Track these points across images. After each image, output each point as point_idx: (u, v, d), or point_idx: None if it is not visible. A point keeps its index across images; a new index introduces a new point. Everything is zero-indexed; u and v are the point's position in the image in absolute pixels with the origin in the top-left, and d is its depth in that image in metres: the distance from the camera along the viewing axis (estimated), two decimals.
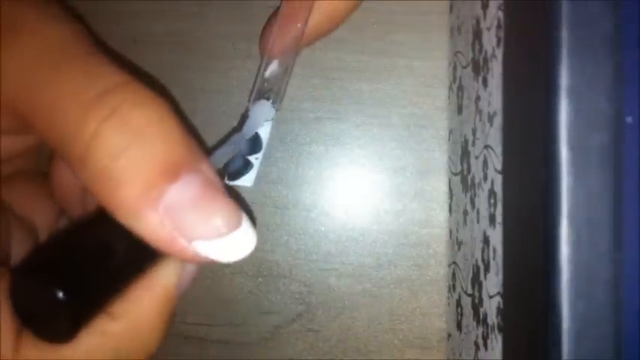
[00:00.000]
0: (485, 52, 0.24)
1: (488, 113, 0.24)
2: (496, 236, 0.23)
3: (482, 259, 0.25)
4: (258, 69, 0.25)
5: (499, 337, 0.22)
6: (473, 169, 0.26)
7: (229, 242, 0.17)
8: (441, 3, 0.31)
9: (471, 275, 0.26)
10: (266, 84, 0.25)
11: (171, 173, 0.16)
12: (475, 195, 0.26)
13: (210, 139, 0.31)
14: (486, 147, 0.24)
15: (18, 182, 0.22)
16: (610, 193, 0.17)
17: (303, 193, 0.31)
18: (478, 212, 0.25)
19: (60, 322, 0.17)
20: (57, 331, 0.17)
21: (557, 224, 0.17)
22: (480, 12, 0.25)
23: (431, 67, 0.31)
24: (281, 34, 0.25)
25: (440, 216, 0.31)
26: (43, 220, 0.22)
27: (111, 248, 0.17)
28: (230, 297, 0.32)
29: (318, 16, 0.25)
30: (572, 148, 0.17)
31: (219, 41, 0.31)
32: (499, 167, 0.22)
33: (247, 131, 0.24)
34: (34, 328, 0.17)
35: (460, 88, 0.29)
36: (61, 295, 0.16)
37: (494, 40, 0.23)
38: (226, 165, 0.25)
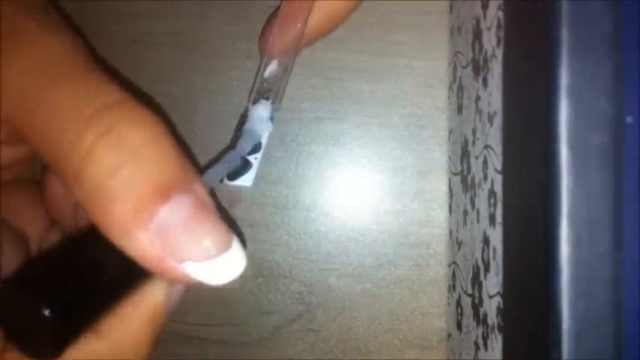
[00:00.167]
0: (485, 52, 0.24)
1: (489, 113, 0.24)
2: (496, 236, 0.23)
3: (483, 259, 0.25)
4: (258, 69, 0.25)
5: (499, 337, 0.22)
6: (473, 169, 0.26)
7: (218, 265, 0.17)
8: (441, 3, 0.31)
9: (471, 275, 0.26)
10: (266, 84, 0.25)
11: (164, 193, 0.16)
12: (475, 195, 0.26)
13: (210, 139, 0.31)
14: (486, 147, 0.24)
15: (12, 191, 0.22)
16: (610, 193, 0.17)
17: (303, 193, 0.31)
18: (478, 212, 0.25)
19: (46, 339, 0.16)
20: (42, 348, 0.17)
21: (557, 224, 0.17)
22: (480, 12, 0.25)
23: (431, 67, 0.31)
24: (281, 34, 0.25)
25: (440, 216, 0.31)
26: (35, 230, 0.22)
27: (100, 266, 0.17)
28: (230, 297, 0.32)
29: (318, 16, 0.25)
30: (572, 148, 0.17)
31: (220, 41, 0.31)
32: (499, 167, 0.22)
33: (241, 149, 0.24)
34: (19, 343, 0.17)
35: (460, 88, 0.29)
36: (47, 312, 0.16)
37: (494, 40, 0.23)
38: None
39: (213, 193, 0.19)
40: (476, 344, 0.26)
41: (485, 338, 0.24)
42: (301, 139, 0.31)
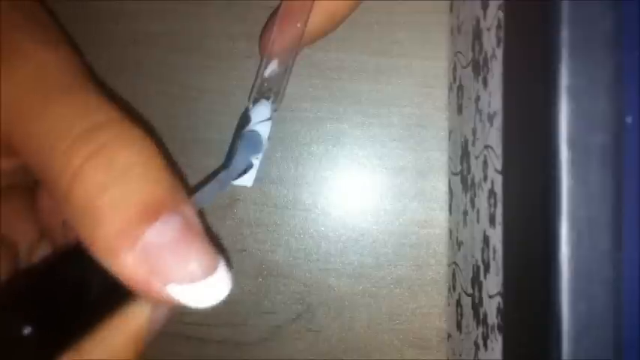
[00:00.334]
0: (485, 52, 0.24)
1: (488, 113, 0.24)
2: (496, 236, 0.23)
3: (482, 259, 0.25)
4: (258, 69, 0.25)
5: (499, 337, 0.22)
6: (473, 169, 0.26)
7: (203, 288, 0.17)
8: (441, 3, 0.31)
9: (471, 275, 0.26)
10: (266, 84, 0.25)
11: (151, 214, 0.16)
12: (475, 195, 0.26)
13: (210, 139, 0.31)
14: (486, 147, 0.24)
15: (5, 200, 0.22)
16: (610, 193, 0.17)
17: (303, 193, 0.31)
18: (478, 212, 0.25)
19: (26, 357, 0.16)
20: None
21: (557, 224, 0.17)
22: (480, 12, 0.25)
23: (431, 67, 0.31)
24: (281, 34, 0.25)
25: (440, 216, 0.31)
26: (25, 240, 0.22)
27: (85, 285, 0.17)
28: (230, 297, 0.32)
29: (318, 16, 0.25)
30: (572, 148, 0.17)
31: (220, 41, 0.31)
32: (499, 167, 0.22)
33: (234, 169, 0.24)
34: None
35: (460, 88, 0.29)
36: (27, 330, 0.16)
37: (494, 40, 0.23)
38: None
39: (201, 214, 0.18)
40: (476, 344, 0.26)
41: (485, 338, 0.24)
42: (301, 139, 0.31)
